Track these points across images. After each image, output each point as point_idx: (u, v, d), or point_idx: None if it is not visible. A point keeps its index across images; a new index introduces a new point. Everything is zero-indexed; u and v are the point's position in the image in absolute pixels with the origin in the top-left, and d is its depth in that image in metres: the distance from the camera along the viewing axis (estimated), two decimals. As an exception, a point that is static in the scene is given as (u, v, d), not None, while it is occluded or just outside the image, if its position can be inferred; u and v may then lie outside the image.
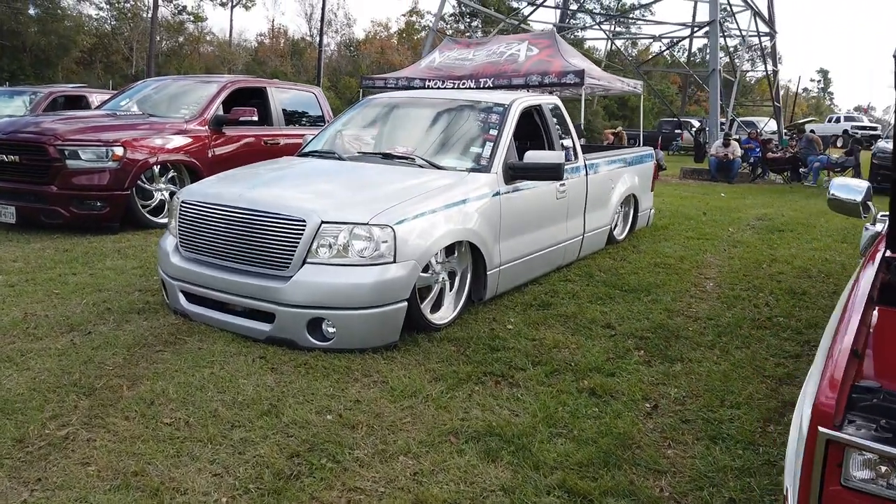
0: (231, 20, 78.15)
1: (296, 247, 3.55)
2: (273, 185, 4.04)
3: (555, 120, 5.31)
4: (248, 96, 7.76)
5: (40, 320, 3.79)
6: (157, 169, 6.49)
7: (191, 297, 3.96)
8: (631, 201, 6.67)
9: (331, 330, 3.57)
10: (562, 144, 5.28)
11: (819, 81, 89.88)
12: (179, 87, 7.70)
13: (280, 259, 3.58)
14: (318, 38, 70.93)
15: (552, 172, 4.44)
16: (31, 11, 44.45)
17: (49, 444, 2.53)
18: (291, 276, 3.55)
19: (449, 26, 73.71)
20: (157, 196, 6.60)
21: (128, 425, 2.68)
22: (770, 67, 21.99)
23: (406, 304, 3.67)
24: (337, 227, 3.55)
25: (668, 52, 32.97)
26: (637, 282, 5.05)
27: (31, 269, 4.88)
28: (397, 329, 3.67)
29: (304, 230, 3.53)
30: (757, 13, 20.24)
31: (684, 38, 25.06)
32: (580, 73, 12.78)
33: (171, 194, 6.72)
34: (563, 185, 5.07)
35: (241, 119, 7.12)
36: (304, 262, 3.56)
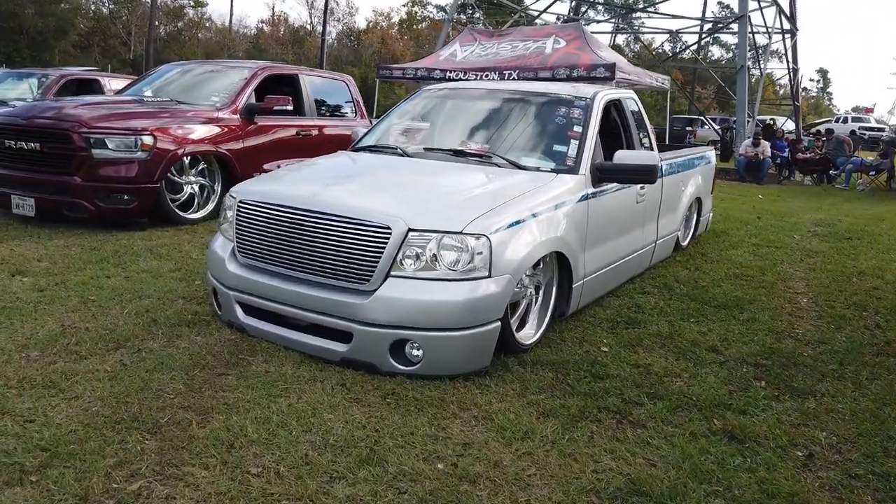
0: (231, 6, 77.37)
1: (379, 257, 3.10)
2: (346, 185, 3.58)
3: (633, 116, 4.87)
4: (278, 84, 7.28)
5: (81, 334, 3.34)
6: (187, 160, 6.01)
7: (249, 310, 3.51)
8: (695, 205, 6.24)
9: (416, 353, 3.13)
10: (641, 143, 4.84)
11: (818, 81, 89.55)
12: (207, 73, 7.20)
13: (360, 271, 3.13)
14: (318, 27, 70.01)
15: (646, 175, 3.99)
16: (30, -7, 43.59)
17: (119, 502, 2.09)
18: (373, 291, 3.11)
19: (450, 17, 73.14)
20: (187, 189, 6.12)
21: (209, 476, 2.24)
22: (791, 65, 21.55)
23: (500, 324, 3.24)
24: (426, 236, 3.11)
25: (688, 48, 32.39)
26: (724, 296, 4.63)
27: (60, 271, 4.42)
28: (489, 353, 3.24)
29: (388, 239, 3.09)
30: (781, 10, 19.79)
31: (711, 34, 24.56)
32: (611, 67, 12.33)
33: (201, 188, 6.26)
34: (644, 187, 4.64)
35: (275, 108, 6.65)
36: (387, 275, 3.12)
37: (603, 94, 4.54)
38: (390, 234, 3.09)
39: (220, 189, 6.38)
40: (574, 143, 4.09)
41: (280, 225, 3.34)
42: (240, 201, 3.56)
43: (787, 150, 14.87)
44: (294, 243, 3.28)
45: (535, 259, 3.43)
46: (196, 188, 6.21)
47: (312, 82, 7.64)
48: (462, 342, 3.11)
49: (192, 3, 58.08)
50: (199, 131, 6.08)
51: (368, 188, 3.60)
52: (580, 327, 3.96)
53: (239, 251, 3.55)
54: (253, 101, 6.74)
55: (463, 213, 3.22)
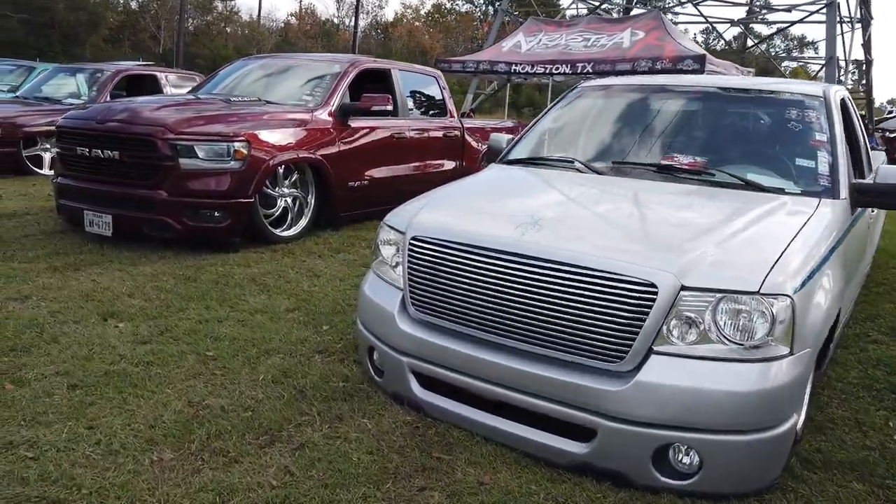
0: (260, 0, 76.94)
1: (638, 327, 2.22)
2: (560, 221, 2.69)
3: (857, 118, 3.93)
4: (369, 80, 6.44)
5: (218, 419, 2.52)
6: (281, 170, 5.19)
7: (429, 383, 2.67)
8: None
9: (688, 462, 2.26)
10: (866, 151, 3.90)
11: (853, 73, 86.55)
12: (290, 68, 6.37)
13: (611, 345, 2.26)
14: (345, 20, 69.29)
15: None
16: (61, -13, 43.49)
17: None
18: (629, 374, 2.24)
19: (478, 9, 71.88)
20: (280, 204, 5.31)
21: None
22: (866, 57, 20.20)
23: (798, 419, 2.35)
24: (704, 298, 2.22)
25: (770, 37, 30.64)
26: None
27: (158, 311, 3.62)
28: (783, 460, 2.35)
29: (654, 301, 2.21)
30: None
31: (794, 23, 23.24)
32: (700, 59, 11.28)
33: (295, 201, 5.44)
34: (874, 212, 3.71)
35: (373, 109, 5.80)
36: (649, 351, 2.25)
37: (835, 90, 3.60)
38: (656, 293, 2.21)
39: (313, 202, 5.56)
40: (823, 156, 3.15)
41: (482, 275, 2.47)
42: (413, 238, 2.71)
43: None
44: (506, 301, 2.41)
45: (833, 319, 2.54)
46: (289, 201, 5.39)
47: (404, 78, 6.78)
48: (756, 448, 2.22)
49: (221, -3, 57.76)
50: (294, 136, 5.25)
51: (591, 225, 2.71)
52: (835, 397, 3.05)
53: (414, 304, 2.70)
54: (348, 100, 5.91)
55: (746, 261, 2.33)
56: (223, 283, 4.18)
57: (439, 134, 7.09)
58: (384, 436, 2.49)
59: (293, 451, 2.35)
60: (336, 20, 67.71)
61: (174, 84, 9.48)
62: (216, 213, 4.76)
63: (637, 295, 2.22)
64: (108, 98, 8.61)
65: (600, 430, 2.27)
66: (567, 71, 12.63)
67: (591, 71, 12.33)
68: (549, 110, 4.17)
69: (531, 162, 3.66)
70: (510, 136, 4.18)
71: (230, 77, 6.47)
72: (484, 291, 2.47)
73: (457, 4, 69.64)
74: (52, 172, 8.11)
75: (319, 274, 4.52)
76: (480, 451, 2.43)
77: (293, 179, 5.38)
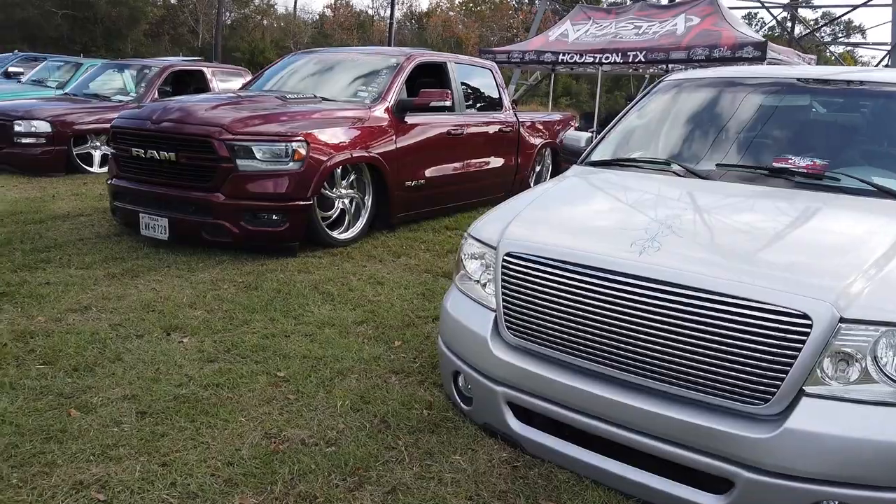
0: (296, -8, 77.31)
1: (788, 365, 1.91)
2: (679, 237, 2.38)
3: None
4: (423, 74, 6.17)
5: (299, 455, 2.29)
6: (338, 170, 4.97)
7: (528, 416, 2.40)
8: None
9: (845, 521, 1.95)
10: None
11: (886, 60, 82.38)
12: (343, 63, 6.14)
13: (755, 384, 1.95)
14: (380, 11, 69.10)
15: None
16: (102, -18, 44.30)
17: None
18: (777, 418, 1.93)
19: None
20: (338, 205, 5.09)
21: None
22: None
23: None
24: (867, 332, 1.90)
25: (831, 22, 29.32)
26: None
27: (221, 324, 3.43)
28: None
29: (808, 334, 1.89)
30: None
31: (856, 7, 22.15)
32: (761, 46, 10.69)
33: (352, 201, 5.22)
34: None
35: (432, 105, 5.54)
36: (799, 392, 1.94)
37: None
38: (810, 326, 1.90)
39: (370, 203, 5.33)
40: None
41: (593, 299, 2.18)
42: (508, 255, 2.44)
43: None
44: (622, 330, 2.13)
45: None
46: (347, 202, 5.18)
47: (460, 71, 6.49)
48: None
49: (258, -10, 58.13)
50: (353, 134, 5.02)
51: (720, 242, 2.39)
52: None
53: (509, 327, 2.43)
54: (405, 95, 5.65)
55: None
56: (285, 291, 3.97)
57: (496, 129, 6.79)
58: (482, 477, 2.24)
59: (385, 496, 2.11)
60: (371, 11, 67.65)
61: (221, 80, 9.38)
62: (274, 217, 4.57)
63: (787, 328, 1.91)
64: (157, 95, 8.55)
65: (739, 482, 1.97)
66: (618, 60, 12.14)
67: (643, 60, 11.83)
68: (634, 106, 3.84)
69: (618, 164, 3.35)
70: (587, 135, 3.87)
71: (281, 73, 6.27)
72: (594, 318, 2.18)
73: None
74: (102, 171, 8.10)
75: (382, 281, 4.29)
76: (592, 497, 2.15)
77: (350, 180, 5.16)
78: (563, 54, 12.75)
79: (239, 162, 4.48)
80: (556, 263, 2.29)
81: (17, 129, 7.45)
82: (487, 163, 6.74)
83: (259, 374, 2.89)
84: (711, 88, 3.65)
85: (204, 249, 4.74)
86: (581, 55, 12.53)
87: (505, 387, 2.42)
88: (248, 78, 9.88)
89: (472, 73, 6.78)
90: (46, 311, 3.50)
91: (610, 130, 3.69)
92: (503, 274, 2.44)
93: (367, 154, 5.10)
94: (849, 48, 41.73)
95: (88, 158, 8.03)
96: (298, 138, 4.58)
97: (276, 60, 6.65)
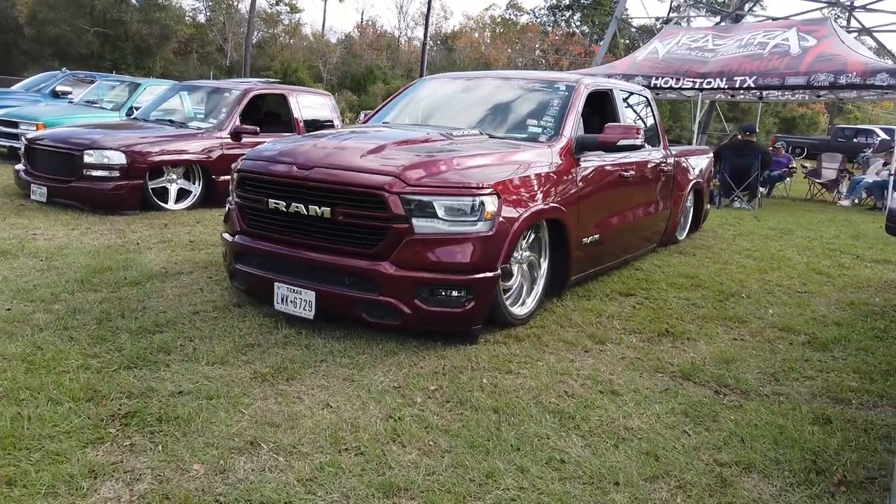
0: (325, 12, 77.61)
1: None
2: None
3: None
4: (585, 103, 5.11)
5: None
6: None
7: None
8: None
9: None
10: None
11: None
12: (496, 89, 5.07)
13: None
14: (407, 32, 69.17)
15: None
16: (134, 0, 44.40)
17: None
18: None
19: (539, 20, 70.31)
20: (517, 273, 4.01)
21: None
22: None
23: None
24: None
25: None
26: None
27: (455, 478, 2.32)
28: None
29: None
30: None
31: None
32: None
33: (531, 267, 4.13)
34: None
35: (620, 144, 4.46)
36: None
37: None
38: None
39: (546, 267, 4.25)
40: None
41: None
42: None
43: None
44: None
45: None
46: (525, 268, 4.10)
47: (624, 99, 5.43)
48: None
49: (288, 9, 58.17)
50: (536, 182, 3.95)
51: None
52: None
53: None
54: (582, 131, 4.60)
55: None
56: (505, 410, 2.87)
57: (657, 169, 5.71)
58: None
59: None
60: (397, 32, 67.50)
61: (306, 105, 8.39)
62: (458, 293, 3.48)
63: None
64: (238, 121, 7.58)
65: None
66: (721, 85, 11.06)
67: (752, 86, 10.74)
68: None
69: None
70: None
71: (415, 101, 5.24)
72: None
73: (512, 14, 68.36)
74: (178, 207, 7.11)
75: (615, 388, 3.17)
76: None
77: (530, 240, 4.08)
78: (657, 78, 11.68)
79: (416, 222, 3.41)
80: None
81: (86, 160, 6.48)
82: (650, 210, 5.66)
83: None
84: None
85: (357, 332, 3.66)
86: (679, 78, 11.44)
87: None
88: (331, 101, 8.93)
89: (631, 101, 5.72)
90: (199, 451, 2.42)
91: None
92: None
93: (552, 207, 4.03)
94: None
95: (163, 193, 7.05)
96: (488, 191, 3.51)
97: (404, 86, 5.61)
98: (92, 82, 13.02)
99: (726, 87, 11.04)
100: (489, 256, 3.53)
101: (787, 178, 13.00)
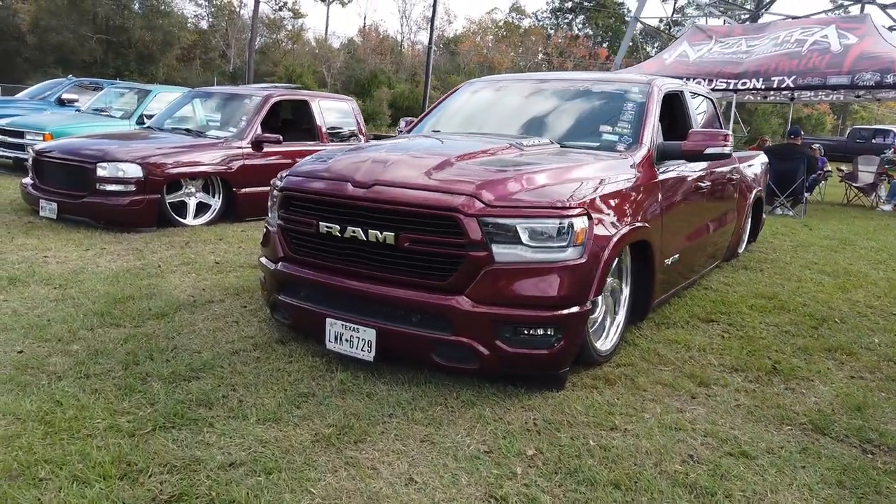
0: (327, 17, 77.28)
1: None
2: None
3: None
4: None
5: None
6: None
7: None
8: None
9: None
10: None
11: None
12: (555, 92, 4.55)
13: None
14: (409, 36, 68.92)
15: None
16: (136, 7, 44.14)
17: None
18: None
19: (542, 24, 69.87)
20: (600, 304, 3.49)
21: None
22: None
23: None
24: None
25: None
26: None
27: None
28: None
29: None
30: None
31: None
32: (948, 71, 9.03)
33: (612, 294, 3.61)
34: None
35: (707, 152, 3.94)
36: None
37: None
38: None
39: (627, 294, 3.73)
40: None
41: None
42: None
43: None
44: None
45: None
46: (610, 301, 3.59)
47: (693, 105, 4.92)
48: None
49: (291, 14, 57.87)
50: (622, 199, 3.44)
51: None
52: None
53: None
54: (661, 138, 4.09)
55: None
56: (628, 485, 2.35)
57: (727, 178, 5.20)
58: None
59: None
60: (400, 37, 67.17)
61: (328, 111, 7.90)
62: (546, 332, 2.97)
63: None
64: (259, 129, 7.08)
65: None
66: (757, 86, 10.57)
67: (790, 85, 10.24)
68: None
69: None
70: None
71: (464, 107, 4.74)
72: None
73: (514, 17, 67.93)
74: (196, 222, 6.62)
75: (746, 451, 2.63)
76: None
77: (614, 265, 3.57)
78: (691, 79, 11.18)
79: (496, 248, 2.91)
80: None
81: (100, 173, 5.99)
82: (720, 223, 5.15)
83: None
84: None
85: (423, 376, 3.16)
86: (712, 80, 10.95)
87: None
88: (354, 107, 8.43)
89: (698, 105, 5.21)
90: (267, 552, 1.92)
91: None
92: None
93: (640, 227, 3.52)
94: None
95: (181, 208, 6.56)
96: (577, 210, 3.01)
97: (451, 90, 5.10)
98: (96, 89, 12.56)
99: (763, 87, 10.56)
100: (580, 288, 3.02)
101: (822, 182, 12.48)
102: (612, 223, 3.24)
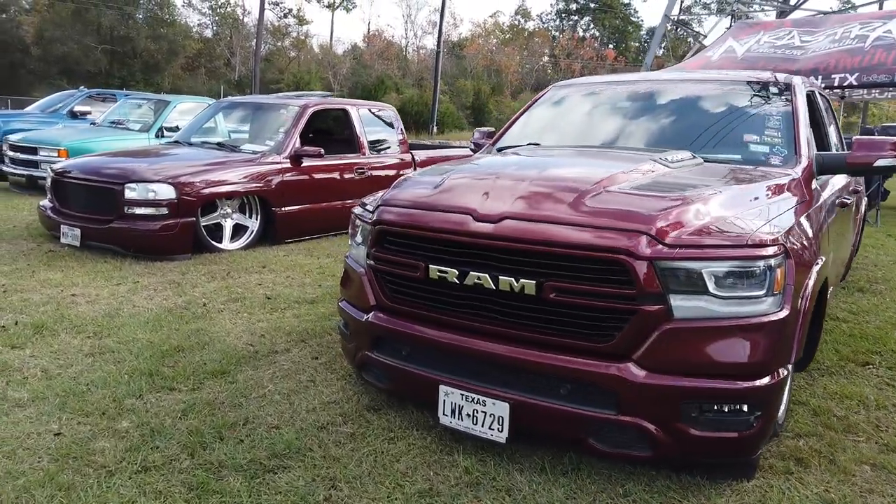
0: (332, 24, 76.93)
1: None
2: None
3: None
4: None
5: None
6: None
7: None
8: None
9: None
10: None
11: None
12: (668, 93, 3.85)
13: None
14: (414, 41, 68.53)
15: None
16: (140, 17, 43.81)
17: None
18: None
19: (546, 26, 69.29)
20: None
21: None
22: None
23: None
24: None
25: None
26: None
27: None
28: None
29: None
30: None
31: None
32: None
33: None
34: None
35: (878, 165, 3.27)
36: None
37: None
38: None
39: (795, 349, 3.05)
40: None
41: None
42: None
43: None
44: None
45: None
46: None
47: (822, 106, 4.24)
48: None
49: (296, 21, 57.45)
50: (807, 229, 2.76)
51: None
52: None
53: None
54: (815, 147, 3.42)
55: None
56: None
57: (854, 191, 4.52)
58: None
59: None
60: (405, 42, 66.66)
61: (369, 119, 7.24)
62: (742, 408, 2.29)
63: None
64: (298, 142, 6.43)
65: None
66: (819, 84, 9.85)
67: (853, 83, 9.57)
68: None
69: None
70: None
71: (560, 115, 4.06)
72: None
73: (518, 20, 67.35)
74: (233, 247, 5.96)
75: None
76: None
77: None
78: (740, 79, 10.51)
79: (674, 301, 2.23)
80: None
81: (128, 195, 5.34)
82: (847, 240, 4.47)
83: None
84: None
85: (567, 460, 2.48)
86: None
87: None
88: (395, 115, 7.77)
89: (822, 106, 4.52)
90: None
91: None
92: None
93: (822, 264, 2.84)
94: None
95: (216, 230, 5.90)
96: (772, 249, 2.32)
97: (534, 98, 4.41)
98: (105, 100, 11.96)
99: (823, 85, 9.89)
100: (782, 349, 2.34)
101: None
102: (804, 263, 2.56)
